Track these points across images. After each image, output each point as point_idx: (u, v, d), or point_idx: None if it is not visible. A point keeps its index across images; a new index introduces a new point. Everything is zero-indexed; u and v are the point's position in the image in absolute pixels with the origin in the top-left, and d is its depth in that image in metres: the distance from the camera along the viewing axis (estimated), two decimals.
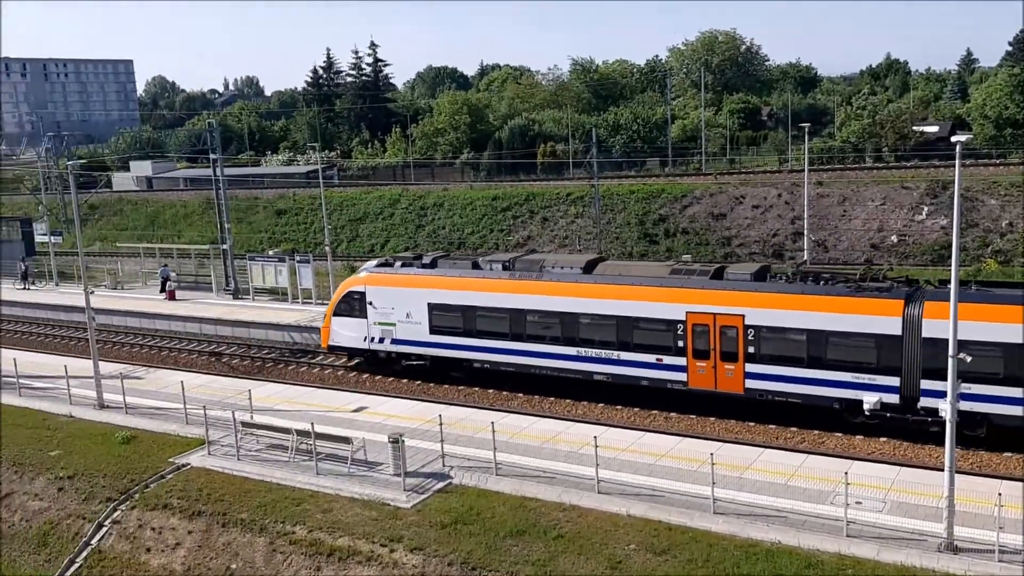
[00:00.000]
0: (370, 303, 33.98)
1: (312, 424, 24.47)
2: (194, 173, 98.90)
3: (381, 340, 34.05)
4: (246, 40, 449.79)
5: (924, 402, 24.78)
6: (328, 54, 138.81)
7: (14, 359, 33.70)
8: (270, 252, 53.74)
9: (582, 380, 30.28)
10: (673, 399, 28.76)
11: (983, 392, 23.85)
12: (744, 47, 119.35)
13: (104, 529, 23.46)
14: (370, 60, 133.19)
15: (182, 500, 23.29)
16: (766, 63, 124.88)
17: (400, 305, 33.39)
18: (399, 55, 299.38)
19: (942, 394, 19.71)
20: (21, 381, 32.73)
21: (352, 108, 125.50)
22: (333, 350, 35.84)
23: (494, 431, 23.41)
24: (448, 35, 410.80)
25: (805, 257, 50.71)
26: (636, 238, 59.51)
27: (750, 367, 27.42)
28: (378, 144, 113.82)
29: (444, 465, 23.56)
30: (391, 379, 33.78)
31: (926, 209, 53.52)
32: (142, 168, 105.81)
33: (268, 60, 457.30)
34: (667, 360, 28.61)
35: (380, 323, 33.93)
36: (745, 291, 27.50)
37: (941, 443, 19.66)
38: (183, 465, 25.13)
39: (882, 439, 25.60)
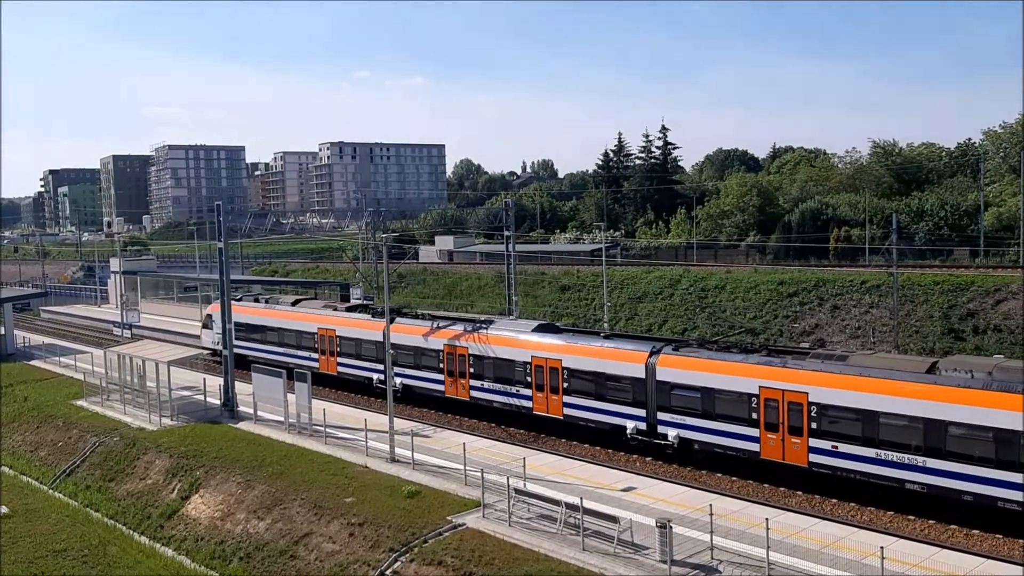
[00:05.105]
0: (214, 321, 54.69)
1: (581, 499, 24.75)
2: (489, 248, 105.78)
3: (217, 343, 52.37)
4: (545, 127, 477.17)
5: (397, 381, 41.66)
6: (619, 138, 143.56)
7: (323, 409, 37.57)
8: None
9: (293, 368, 41.72)
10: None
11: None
12: None
13: None
14: (660, 143, 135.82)
15: (455, 559, 24.34)
16: None
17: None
18: (689, 138, 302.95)
19: (400, 375, 42.17)
20: (328, 430, 36.30)
21: (639, 189, 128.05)
22: (203, 349, 56.08)
23: (768, 528, 22.29)
24: (740, 118, 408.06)
25: None
26: (939, 333, 54.54)
27: (339, 360, 47.24)
28: (662, 225, 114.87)
29: (713, 558, 22.74)
30: (660, 463, 33.46)
31: None
32: (445, 242, 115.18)
33: (563, 144, 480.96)
34: (312, 355, 49.23)
35: (217, 333, 52.37)
36: (338, 318, 47.97)
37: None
38: (459, 525, 26.34)
39: None
